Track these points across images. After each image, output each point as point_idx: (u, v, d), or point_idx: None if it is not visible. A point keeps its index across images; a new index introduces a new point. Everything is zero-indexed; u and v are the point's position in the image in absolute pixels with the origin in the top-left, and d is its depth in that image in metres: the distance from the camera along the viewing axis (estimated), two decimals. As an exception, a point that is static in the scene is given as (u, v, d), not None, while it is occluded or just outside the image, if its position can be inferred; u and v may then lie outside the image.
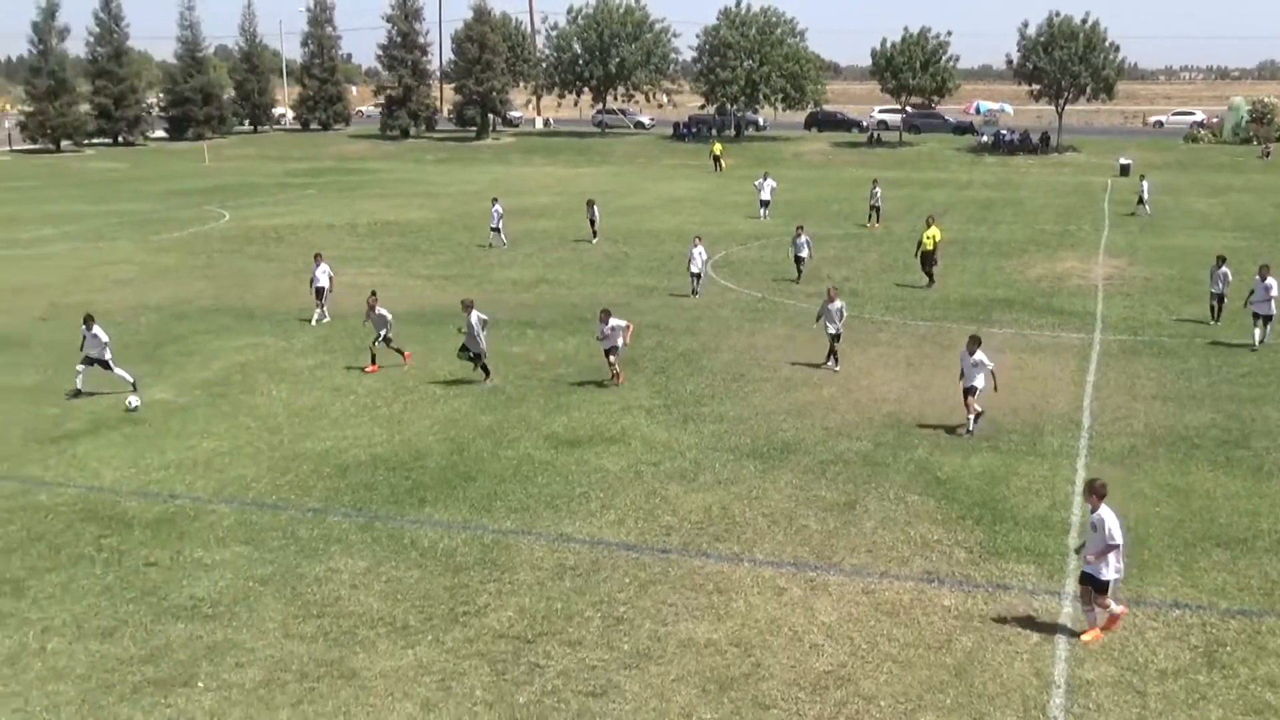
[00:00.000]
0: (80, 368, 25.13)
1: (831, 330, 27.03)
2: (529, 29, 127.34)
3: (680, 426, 23.30)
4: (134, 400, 24.22)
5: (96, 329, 24.87)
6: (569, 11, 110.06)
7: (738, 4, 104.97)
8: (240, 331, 31.61)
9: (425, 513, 18.75)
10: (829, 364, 27.32)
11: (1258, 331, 29.49)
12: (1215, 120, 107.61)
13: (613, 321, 25.68)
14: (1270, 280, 29.18)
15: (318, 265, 33.19)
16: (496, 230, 47.47)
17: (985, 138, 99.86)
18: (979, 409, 22.61)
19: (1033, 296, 37.01)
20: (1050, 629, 14.77)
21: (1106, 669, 13.77)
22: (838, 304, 27.00)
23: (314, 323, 32.65)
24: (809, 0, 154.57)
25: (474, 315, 25.51)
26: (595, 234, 49.24)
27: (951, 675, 13.70)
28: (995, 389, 22.66)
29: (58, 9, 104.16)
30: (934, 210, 48.52)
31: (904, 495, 19.48)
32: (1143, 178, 62.86)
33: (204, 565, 16.64)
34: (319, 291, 33.05)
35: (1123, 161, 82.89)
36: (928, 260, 38.02)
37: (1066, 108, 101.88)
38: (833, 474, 20.51)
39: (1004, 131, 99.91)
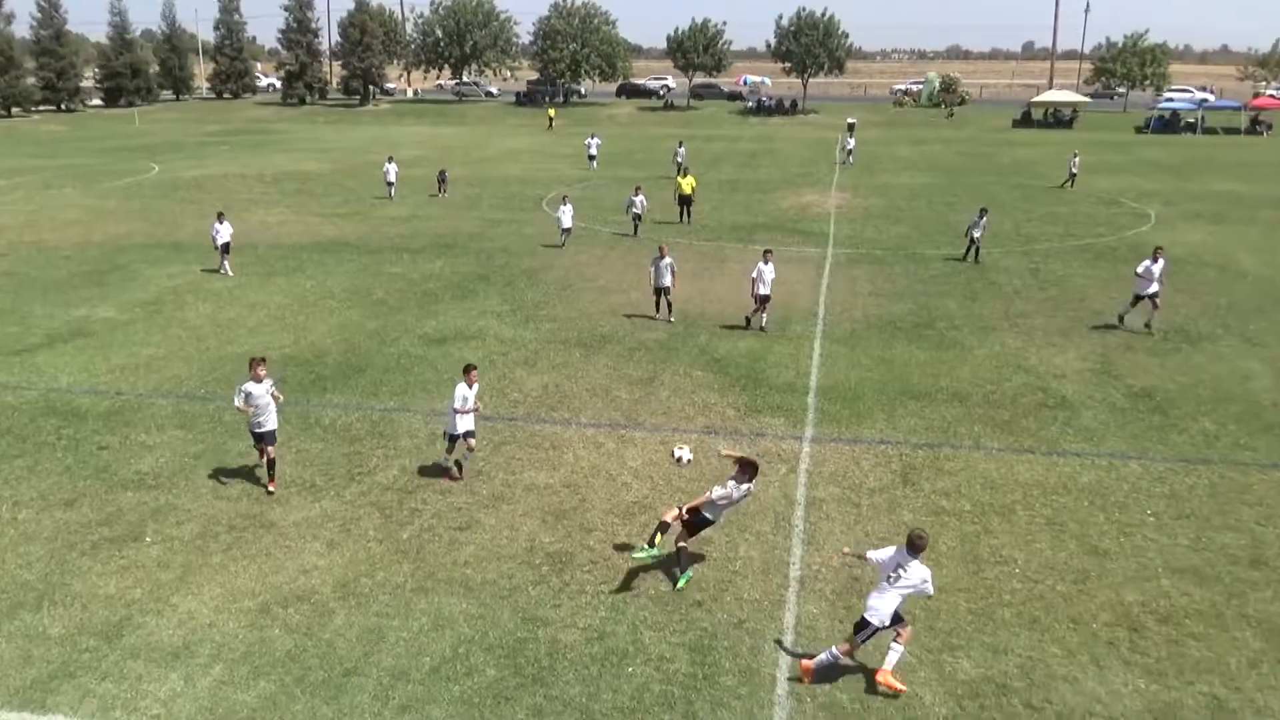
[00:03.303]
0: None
1: (664, 283, 23.00)
2: (400, 17, 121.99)
3: (523, 325, 23.15)
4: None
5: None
6: (432, 3, 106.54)
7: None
8: (171, 261, 29.92)
9: (326, 398, 18.30)
10: (664, 316, 23.33)
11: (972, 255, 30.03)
12: (916, 89, 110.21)
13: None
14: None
15: (220, 222, 28.05)
16: (391, 184, 42.84)
17: (750, 103, 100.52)
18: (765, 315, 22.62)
19: (784, 221, 37.67)
20: (794, 463, 15.35)
21: (833, 489, 14.42)
22: (668, 260, 22.92)
23: (223, 273, 27.84)
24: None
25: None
26: (443, 189, 43.62)
27: (724, 500, 14.14)
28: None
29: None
30: (686, 164, 48.23)
31: (690, 371, 19.82)
32: (849, 131, 64.06)
33: (147, 446, 15.95)
34: (225, 247, 27.95)
35: (850, 120, 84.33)
36: (685, 201, 36.77)
37: (810, 80, 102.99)
38: (638, 358, 20.72)
39: (764, 99, 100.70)
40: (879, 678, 9.99)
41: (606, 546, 12.87)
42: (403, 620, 11.21)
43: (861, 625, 10.08)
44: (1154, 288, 22.50)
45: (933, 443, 16.15)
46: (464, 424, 14.41)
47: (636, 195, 34.10)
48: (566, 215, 32.13)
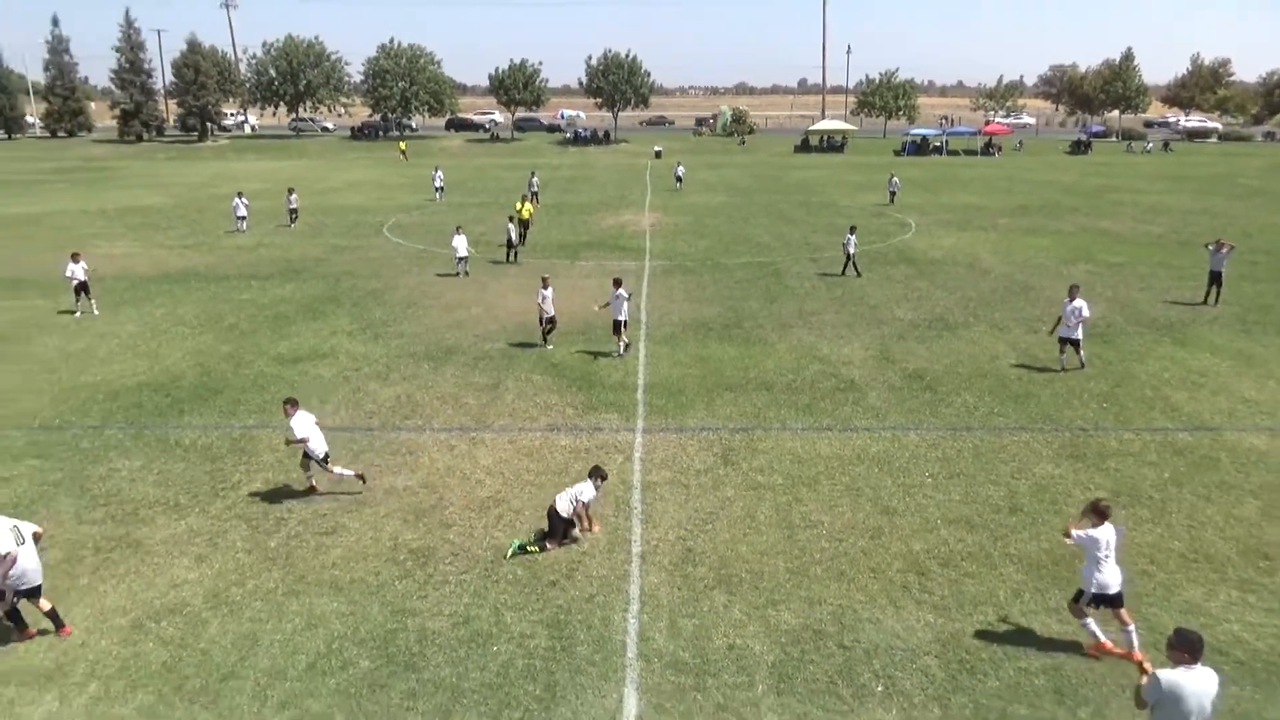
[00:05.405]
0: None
1: (620, 318, 20.72)
2: (234, 58, 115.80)
3: (374, 342, 22.49)
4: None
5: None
6: (264, 45, 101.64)
7: (391, 41, 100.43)
8: (8, 296, 27.46)
9: (185, 420, 17.24)
10: (619, 349, 21.04)
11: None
12: (712, 120, 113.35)
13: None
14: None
15: (75, 263, 24.74)
16: (243, 218, 39.79)
17: (569, 134, 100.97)
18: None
19: (605, 240, 38.03)
20: (629, 452, 15.55)
21: (665, 473, 14.69)
22: (622, 292, 20.66)
23: (78, 316, 24.65)
24: (443, 33, 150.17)
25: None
26: (294, 219, 41.44)
27: (569, 490, 14.17)
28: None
29: None
30: (539, 191, 48.77)
31: (531, 376, 19.76)
32: (678, 163, 65.45)
33: (3, 479, 14.59)
34: (82, 286, 24.79)
35: (656, 149, 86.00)
36: (523, 225, 36.47)
37: (620, 113, 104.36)
38: (482, 366, 20.49)
39: (581, 130, 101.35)
40: (1141, 662, 9.90)
41: (466, 539, 12.69)
42: (276, 623, 10.71)
43: (1110, 599, 10.02)
44: (1071, 332, 19.60)
45: (747, 426, 16.70)
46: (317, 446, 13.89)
47: (510, 223, 32.76)
48: (461, 244, 30.09)
